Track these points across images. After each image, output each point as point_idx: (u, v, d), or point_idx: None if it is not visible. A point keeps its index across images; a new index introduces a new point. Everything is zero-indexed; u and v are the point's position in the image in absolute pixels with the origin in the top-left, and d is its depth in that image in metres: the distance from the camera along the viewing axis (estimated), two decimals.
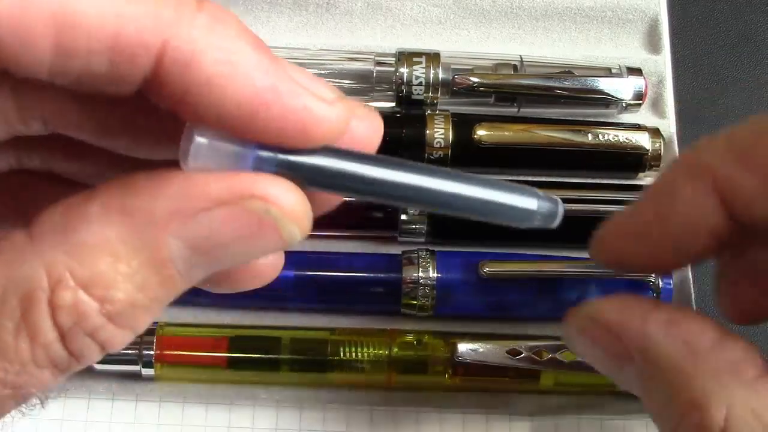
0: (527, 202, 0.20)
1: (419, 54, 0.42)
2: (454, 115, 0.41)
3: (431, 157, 0.41)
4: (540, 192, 0.20)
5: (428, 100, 0.42)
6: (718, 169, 0.23)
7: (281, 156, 0.18)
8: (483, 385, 0.38)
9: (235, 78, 0.17)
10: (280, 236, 0.18)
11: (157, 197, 0.17)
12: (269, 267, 0.22)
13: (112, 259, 0.17)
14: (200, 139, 0.17)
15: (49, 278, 0.16)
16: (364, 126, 0.20)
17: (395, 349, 0.37)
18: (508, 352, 0.37)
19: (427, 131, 0.41)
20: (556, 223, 0.20)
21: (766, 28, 0.49)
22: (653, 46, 0.46)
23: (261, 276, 0.22)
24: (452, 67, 0.42)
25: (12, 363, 0.17)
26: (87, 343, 0.17)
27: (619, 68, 0.42)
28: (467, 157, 0.41)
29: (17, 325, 0.16)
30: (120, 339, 0.18)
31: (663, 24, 0.46)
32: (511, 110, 0.43)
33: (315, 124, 0.18)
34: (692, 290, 0.40)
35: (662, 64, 0.45)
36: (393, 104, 0.42)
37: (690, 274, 0.41)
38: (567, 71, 0.42)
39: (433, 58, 0.41)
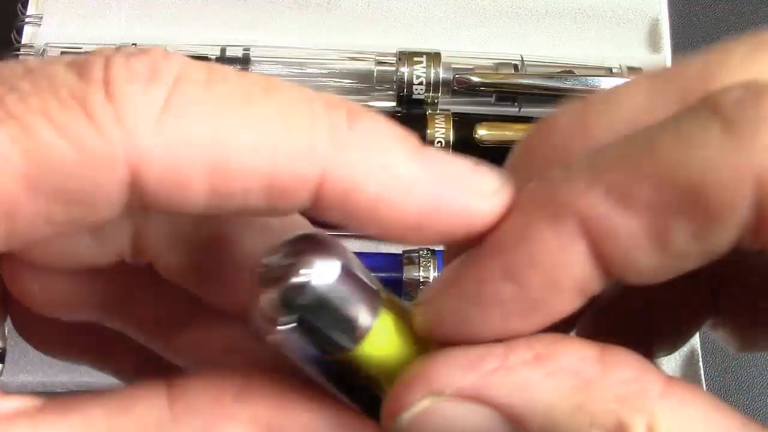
0: None
1: (420, 53, 0.42)
2: (454, 114, 0.41)
3: None
4: None
5: (429, 100, 0.42)
6: (586, 210, 0.17)
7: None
8: None
9: (399, 197, 0.16)
10: None
11: (302, 426, 0.17)
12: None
13: None
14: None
15: None
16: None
17: None
18: None
19: (428, 131, 0.41)
20: None
21: (766, 29, 0.48)
22: (654, 45, 0.46)
23: None
24: (453, 66, 0.42)
25: None
26: None
27: (620, 68, 0.42)
28: (468, 156, 0.41)
29: None
30: None
31: (663, 24, 0.46)
32: (512, 110, 0.43)
33: (476, 222, 0.17)
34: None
35: (662, 63, 0.45)
36: (394, 104, 0.42)
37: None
38: (568, 71, 0.42)
39: (433, 57, 0.41)
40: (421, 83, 0.41)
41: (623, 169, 0.17)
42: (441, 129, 0.41)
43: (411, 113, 0.42)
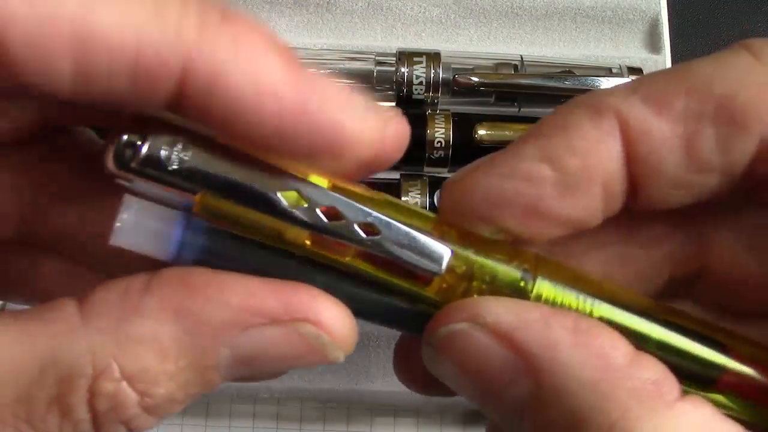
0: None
1: (420, 54, 0.42)
2: (454, 114, 0.41)
3: (432, 156, 0.41)
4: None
5: (429, 100, 0.42)
6: (625, 110, 0.19)
7: (204, 241, 0.18)
8: None
9: (261, 98, 0.16)
10: (324, 358, 0.18)
11: (214, 304, 0.17)
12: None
13: (160, 357, 0.17)
14: (126, 216, 0.17)
15: (95, 367, 0.16)
16: (390, 132, 0.19)
17: None
18: None
19: (428, 131, 0.41)
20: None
21: (766, 29, 0.49)
22: (653, 46, 0.46)
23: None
24: (453, 66, 0.42)
25: None
26: (117, 428, 0.17)
27: (620, 68, 0.42)
28: (468, 156, 0.41)
29: (51, 399, 0.16)
30: (149, 425, 0.18)
31: (663, 24, 0.46)
32: (512, 110, 0.43)
33: (346, 140, 0.17)
34: None
35: (662, 64, 0.45)
36: (393, 104, 0.42)
37: None
38: (567, 71, 0.42)
39: (433, 57, 0.41)
40: (421, 83, 0.41)
41: (662, 80, 0.19)
42: (441, 129, 0.41)
43: (411, 113, 0.42)
